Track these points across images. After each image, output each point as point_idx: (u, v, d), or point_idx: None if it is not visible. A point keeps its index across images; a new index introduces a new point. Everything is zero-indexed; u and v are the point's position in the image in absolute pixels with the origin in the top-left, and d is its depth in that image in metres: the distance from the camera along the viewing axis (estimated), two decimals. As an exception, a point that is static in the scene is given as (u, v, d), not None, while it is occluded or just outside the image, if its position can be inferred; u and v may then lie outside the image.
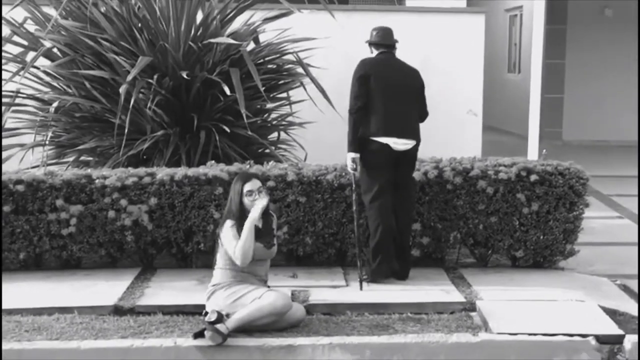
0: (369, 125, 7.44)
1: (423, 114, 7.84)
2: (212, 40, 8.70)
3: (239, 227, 6.28)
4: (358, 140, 7.43)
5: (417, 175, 7.68)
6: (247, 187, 6.38)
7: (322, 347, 6.08)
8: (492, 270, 7.90)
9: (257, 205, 6.32)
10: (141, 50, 8.69)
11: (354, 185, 7.50)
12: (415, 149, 7.57)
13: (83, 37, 8.78)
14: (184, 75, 8.47)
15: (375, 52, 7.76)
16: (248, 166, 7.89)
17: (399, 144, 7.45)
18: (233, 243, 6.27)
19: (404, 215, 7.52)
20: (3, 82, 8.58)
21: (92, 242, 7.68)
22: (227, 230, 6.32)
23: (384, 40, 7.77)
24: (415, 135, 7.58)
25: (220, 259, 6.40)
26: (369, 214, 7.42)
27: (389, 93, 7.55)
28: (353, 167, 7.46)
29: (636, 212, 10.96)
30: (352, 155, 7.44)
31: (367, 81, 7.51)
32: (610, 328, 6.36)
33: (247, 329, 6.20)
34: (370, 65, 7.64)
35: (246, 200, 6.36)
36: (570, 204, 7.86)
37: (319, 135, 10.43)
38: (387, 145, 7.39)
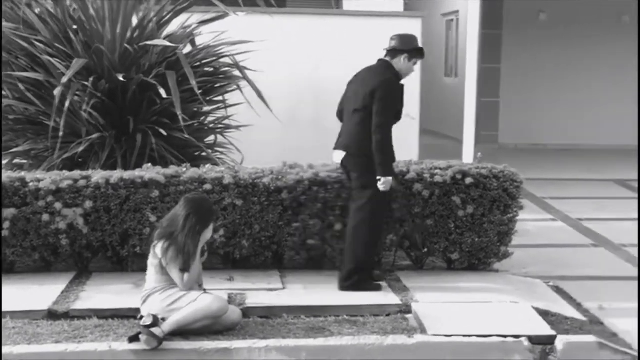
0: None
1: (376, 127, 7.29)
2: (149, 43, 8.66)
3: (170, 251, 6.26)
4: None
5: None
6: (203, 235, 6.36)
7: (258, 350, 6.08)
8: (428, 273, 7.97)
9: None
10: (76, 52, 8.62)
11: None
12: (349, 159, 7.44)
13: (17, 38, 8.68)
14: (120, 77, 8.42)
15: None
16: (185, 169, 7.86)
17: (334, 155, 7.55)
18: (173, 270, 6.28)
19: (348, 227, 7.48)
20: None
21: (25, 245, 7.58)
22: (173, 259, 6.26)
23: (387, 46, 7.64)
24: (344, 145, 7.48)
25: (152, 265, 6.36)
26: None
27: (345, 103, 7.66)
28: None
29: (570, 214, 11.13)
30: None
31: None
32: (543, 329, 6.44)
33: (184, 332, 6.18)
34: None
35: (197, 243, 6.31)
36: (504, 206, 7.95)
37: (256, 139, 10.42)
38: None
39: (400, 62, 7.53)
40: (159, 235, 6.34)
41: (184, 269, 6.27)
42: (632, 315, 7.14)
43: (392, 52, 7.55)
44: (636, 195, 12.80)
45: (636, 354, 6.28)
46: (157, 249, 6.29)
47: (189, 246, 6.25)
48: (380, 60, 7.64)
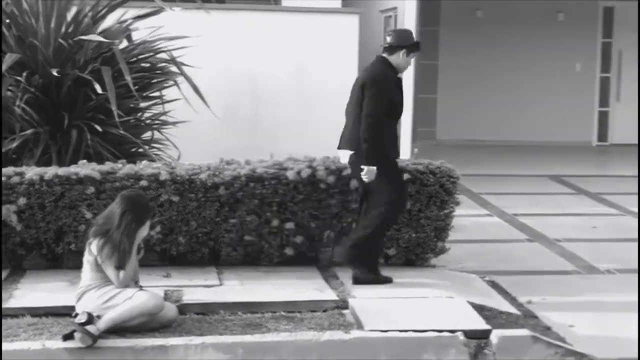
0: None
1: (363, 116, 7.32)
2: (84, 38, 8.58)
3: (106, 249, 6.21)
4: None
5: (290, 174, 7.70)
6: (139, 233, 6.31)
7: (194, 347, 6.05)
8: (365, 268, 7.97)
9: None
10: (9, 46, 8.52)
11: None
12: (354, 157, 7.41)
13: (-53, 32, 8.55)
14: (55, 72, 8.33)
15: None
16: (120, 165, 7.79)
17: (340, 155, 7.62)
18: (109, 268, 6.22)
19: (360, 220, 7.55)
20: None
21: (-42, 243, 7.48)
22: (109, 256, 6.20)
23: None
24: (348, 144, 7.50)
25: (88, 262, 6.30)
26: None
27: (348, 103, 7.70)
28: None
29: (505, 209, 11.25)
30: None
31: None
32: (478, 323, 6.49)
33: (119, 329, 6.13)
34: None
35: (132, 241, 6.27)
36: (441, 202, 7.99)
37: (193, 135, 10.37)
38: None
39: (399, 58, 7.56)
40: (95, 232, 6.27)
41: (120, 266, 6.21)
42: (565, 309, 7.25)
43: (390, 49, 7.55)
44: (571, 191, 13.01)
45: (569, 346, 6.35)
46: (93, 246, 6.23)
47: (124, 244, 6.19)
48: (376, 57, 7.67)
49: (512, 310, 7.11)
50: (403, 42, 7.58)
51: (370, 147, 7.29)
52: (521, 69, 18.24)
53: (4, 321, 6.38)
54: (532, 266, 8.61)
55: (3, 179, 7.45)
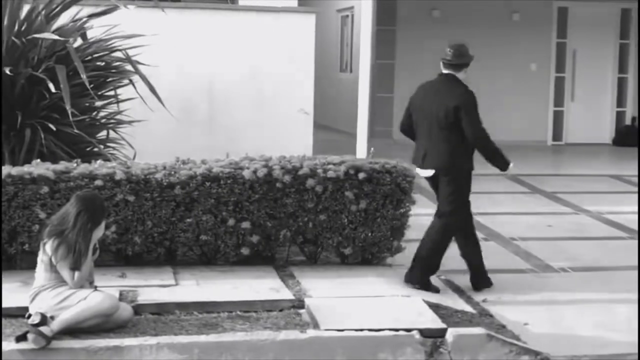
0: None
1: (476, 139, 7.72)
2: (37, 36, 8.50)
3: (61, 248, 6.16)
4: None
5: (246, 173, 7.69)
6: (94, 233, 6.25)
7: (149, 347, 6.02)
8: (322, 268, 7.99)
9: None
10: (-39, 45, 8.41)
11: None
12: (440, 173, 7.65)
13: None
14: (7, 71, 8.24)
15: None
16: (75, 165, 7.73)
17: (421, 173, 7.83)
18: (63, 269, 6.18)
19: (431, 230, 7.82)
20: None
21: None
22: (63, 257, 6.15)
23: (448, 59, 7.84)
24: (435, 166, 7.65)
25: (42, 262, 6.24)
26: None
27: (419, 120, 7.82)
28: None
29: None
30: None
31: (409, 107, 7.94)
32: (434, 322, 6.52)
33: (73, 330, 6.08)
34: (416, 91, 8.02)
35: (87, 241, 6.21)
36: (397, 201, 8.02)
37: (149, 134, 10.33)
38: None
39: (464, 75, 7.86)
40: (49, 233, 6.22)
41: (75, 267, 6.16)
42: (520, 307, 7.31)
43: (457, 66, 7.78)
44: (526, 190, 13.10)
45: (524, 344, 6.40)
46: (47, 246, 6.17)
47: (80, 244, 6.15)
48: (446, 75, 7.82)
49: (468, 308, 7.16)
50: (467, 59, 7.89)
51: (498, 156, 8.01)
52: (477, 69, 18.20)
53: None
54: (487, 265, 8.60)
55: (-45, 178, 7.37)
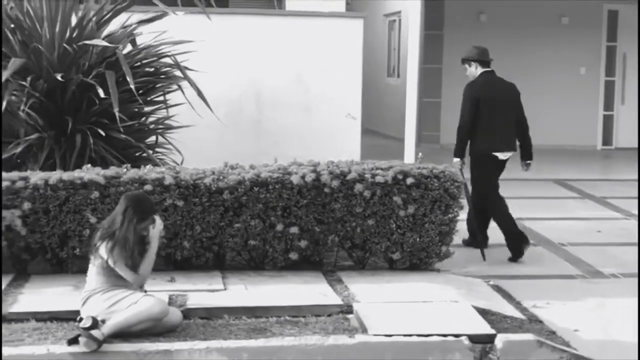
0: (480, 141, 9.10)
1: (524, 122, 9.43)
2: (88, 43, 8.58)
3: (115, 249, 6.22)
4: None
5: (295, 178, 7.70)
6: (140, 228, 6.30)
7: (199, 351, 6.05)
8: (370, 273, 7.98)
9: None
10: (13, 51, 8.52)
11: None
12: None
13: (-48, 37, 8.56)
14: (59, 77, 8.34)
15: (479, 69, 9.28)
16: (125, 170, 7.79)
17: (504, 156, 9.22)
18: (130, 271, 6.27)
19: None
20: None
21: (-38, 248, 7.47)
22: (120, 257, 6.22)
23: (486, 57, 9.34)
24: (513, 146, 9.34)
25: (94, 266, 6.30)
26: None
27: (498, 109, 9.14)
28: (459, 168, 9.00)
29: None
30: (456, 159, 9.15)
31: (477, 103, 9.06)
32: (483, 328, 6.49)
33: (124, 334, 6.13)
34: (480, 87, 9.16)
35: (135, 238, 6.27)
36: (445, 206, 7.99)
37: (196, 139, 10.39)
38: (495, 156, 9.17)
39: None
40: (101, 236, 6.28)
41: (133, 264, 6.22)
42: (570, 314, 7.23)
43: (490, 64, 9.36)
44: (575, 195, 12.99)
45: (574, 351, 6.35)
46: (101, 250, 6.23)
47: (129, 240, 6.21)
48: (493, 72, 9.41)
49: (517, 314, 7.11)
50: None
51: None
52: (525, 73, 18.22)
53: (9, 326, 6.39)
54: (537, 270, 8.60)
55: (8, 183, 7.46)
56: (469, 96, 9.11)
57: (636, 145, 17.92)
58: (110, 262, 6.22)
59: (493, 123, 9.08)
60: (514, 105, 9.30)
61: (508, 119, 9.22)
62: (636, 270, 8.55)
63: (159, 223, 6.45)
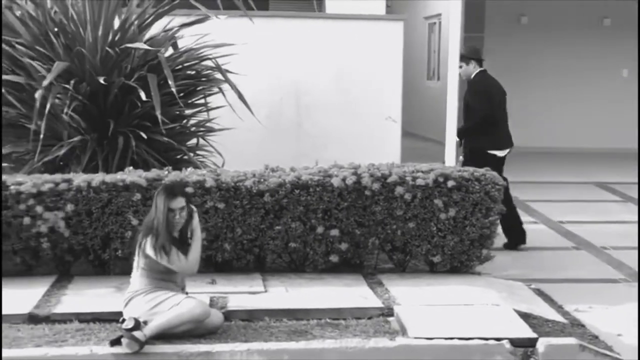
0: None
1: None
2: (130, 46, 8.64)
3: (158, 240, 6.25)
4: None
5: (335, 181, 7.71)
6: (172, 205, 6.32)
7: (240, 353, 6.07)
8: (410, 276, 7.96)
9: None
10: (57, 55, 8.60)
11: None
12: None
13: (-3, 40, 8.65)
14: (101, 80, 8.40)
15: (476, 68, 9.61)
16: (166, 172, 7.84)
17: (501, 154, 9.58)
18: (176, 259, 6.28)
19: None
20: None
21: (6, 249, 7.54)
22: (167, 250, 6.26)
23: (482, 55, 9.74)
24: (511, 142, 9.80)
25: (138, 266, 6.34)
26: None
27: (502, 107, 9.68)
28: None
29: (551, 217, 11.17)
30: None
31: (492, 97, 9.49)
32: (524, 331, 6.45)
33: (165, 336, 6.16)
34: (492, 82, 9.64)
35: (170, 218, 6.31)
36: (486, 209, 7.96)
37: (237, 142, 10.42)
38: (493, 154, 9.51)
39: None
40: (144, 234, 6.31)
41: (150, 232, 6.26)
42: (613, 318, 7.18)
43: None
44: (617, 198, 12.88)
45: (617, 356, 6.30)
46: (147, 247, 6.25)
47: (165, 221, 6.25)
48: (485, 70, 9.67)
49: (559, 318, 7.07)
50: None
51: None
52: (566, 74, 18.13)
53: (52, 326, 6.46)
54: (578, 274, 8.55)
55: (51, 185, 7.53)
56: (484, 91, 9.47)
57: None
58: (159, 258, 6.24)
59: (497, 121, 9.49)
60: (505, 103, 9.73)
61: (506, 117, 9.69)
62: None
63: (181, 201, 6.38)
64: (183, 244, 6.38)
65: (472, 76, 9.63)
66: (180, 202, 6.36)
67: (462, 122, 9.78)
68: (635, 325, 6.98)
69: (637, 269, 8.70)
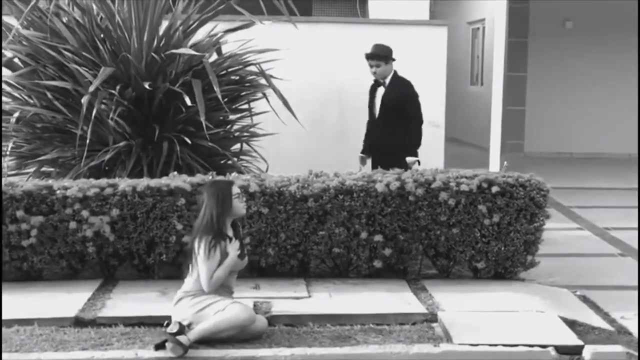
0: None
1: None
2: (175, 51, 8.70)
3: (218, 240, 6.27)
4: None
5: (379, 187, 7.71)
6: (236, 189, 6.43)
7: (284, 358, 6.08)
8: (454, 282, 7.93)
9: (233, 248, 6.35)
10: (103, 60, 8.67)
11: None
12: None
13: (44, 47, 8.75)
14: (147, 86, 8.46)
15: (392, 68, 9.57)
16: (211, 177, 7.87)
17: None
18: (205, 267, 6.26)
19: None
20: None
21: (53, 253, 7.62)
22: (204, 247, 6.28)
23: None
24: None
25: (193, 269, 6.36)
26: None
27: None
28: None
29: (596, 223, 11.07)
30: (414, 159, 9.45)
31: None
32: (570, 339, 6.40)
33: (209, 340, 6.19)
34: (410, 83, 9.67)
35: (237, 204, 6.36)
36: (531, 215, 7.91)
37: (281, 147, 10.44)
38: None
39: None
40: (195, 233, 6.36)
41: (217, 235, 6.29)
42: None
43: None
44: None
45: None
46: (202, 245, 6.27)
47: (213, 212, 6.31)
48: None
49: (605, 325, 7.00)
50: None
51: None
52: (611, 80, 17.96)
53: (98, 330, 6.52)
54: (625, 281, 8.45)
55: (97, 190, 7.59)
56: (416, 95, 9.61)
57: None
58: (209, 255, 6.24)
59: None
60: None
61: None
62: None
63: (235, 244, 6.45)
64: (242, 247, 6.46)
65: (390, 77, 9.59)
66: (237, 189, 6.47)
67: (375, 124, 9.72)
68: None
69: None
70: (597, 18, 17.67)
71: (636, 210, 12.10)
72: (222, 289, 6.40)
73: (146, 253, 7.71)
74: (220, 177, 6.97)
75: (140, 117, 8.78)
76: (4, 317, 6.65)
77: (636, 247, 9.83)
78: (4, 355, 6.03)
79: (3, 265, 7.66)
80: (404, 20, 12.20)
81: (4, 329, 6.50)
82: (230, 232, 6.43)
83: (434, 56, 12.15)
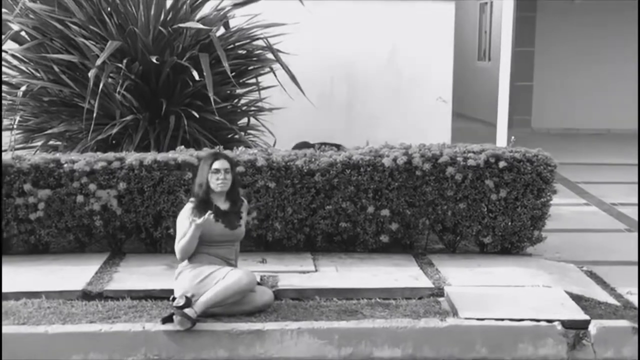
0: None
1: None
2: (182, 25, 8.67)
3: (200, 209, 6.29)
4: None
5: (386, 161, 7.70)
6: (215, 165, 6.39)
7: (290, 332, 6.10)
8: (461, 256, 7.94)
9: (205, 215, 6.31)
10: (110, 34, 8.65)
11: None
12: None
13: (52, 20, 8.73)
14: (154, 60, 8.44)
15: None
16: (218, 151, 7.87)
17: None
18: (179, 235, 6.32)
19: None
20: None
21: (60, 226, 7.64)
22: (184, 213, 6.38)
23: None
24: None
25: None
26: None
27: None
28: None
29: (603, 199, 11.06)
30: None
31: None
32: (576, 313, 6.41)
33: (216, 313, 6.21)
34: None
35: (212, 179, 6.37)
36: (538, 190, 7.90)
37: (288, 121, 10.43)
38: None
39: None
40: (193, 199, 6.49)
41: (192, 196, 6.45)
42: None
43: None
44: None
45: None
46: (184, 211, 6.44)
47: (198, 177, 6.47)
48: None
49: (611, 300, 7.00)
50: None
51: None
52: (619, 56, 17.90)
53: (105, 303, 6.54)
54: (631, 257, 8.44)
55: (104, 164, 7.59)
56: None
57: None
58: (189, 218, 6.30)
59: None
60: None
61: None
62: None
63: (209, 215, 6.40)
64: (229, 218, 6.45)
65: None
66: (224, 163, 6.45)
67: None
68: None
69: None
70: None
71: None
72: (224, 262, 6.41)
73: (153, 227, 7.72)
74: (223, 150, 6.94)
75: (147, 91, 8.77)
76: (11, 289, 6.68)
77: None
78: (12, 327, 6.06)
79: (11, 239, 7.69)
80: (412, -5, 12.15)
81: (12, 302, 6.52)
82: (226, 206, 6.44)
83: (441, 32, 12.11)
